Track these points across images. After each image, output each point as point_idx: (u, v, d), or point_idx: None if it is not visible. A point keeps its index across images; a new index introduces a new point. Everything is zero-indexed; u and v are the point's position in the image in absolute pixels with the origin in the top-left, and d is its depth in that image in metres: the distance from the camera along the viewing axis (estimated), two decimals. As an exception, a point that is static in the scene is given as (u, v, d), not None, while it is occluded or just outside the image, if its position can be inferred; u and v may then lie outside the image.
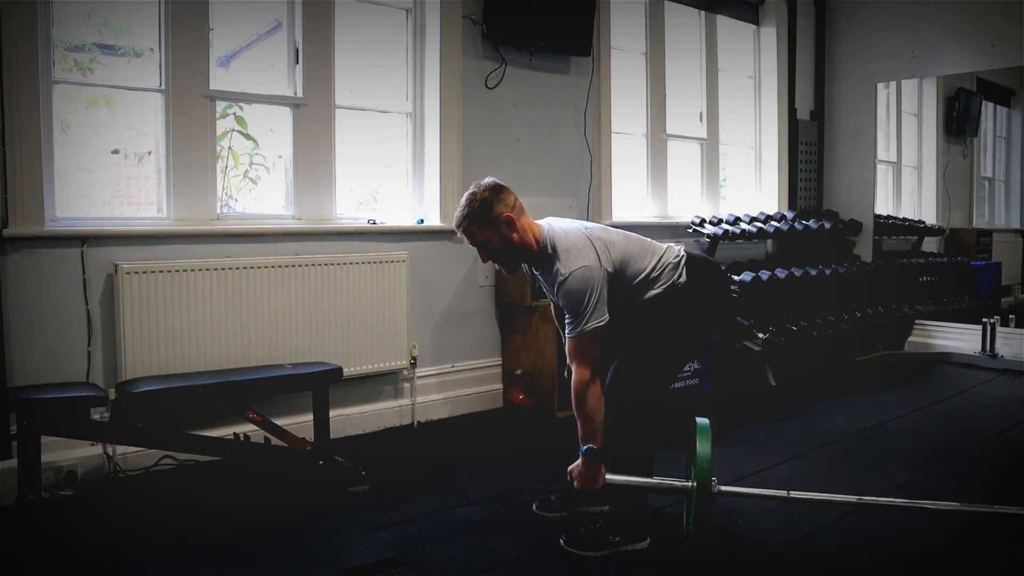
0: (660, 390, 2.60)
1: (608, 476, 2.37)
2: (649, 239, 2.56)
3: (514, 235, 2.39)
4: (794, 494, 2.47)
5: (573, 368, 2.37)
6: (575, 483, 2.41)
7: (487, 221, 2.38)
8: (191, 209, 3.34)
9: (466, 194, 2.42)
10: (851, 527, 2.68)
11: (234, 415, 3.03)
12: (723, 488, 2.35)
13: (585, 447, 2.35)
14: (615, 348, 2.49)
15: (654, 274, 2.45)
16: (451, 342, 4.09)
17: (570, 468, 2.43)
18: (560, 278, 2.35)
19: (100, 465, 3.03)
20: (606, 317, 2.35)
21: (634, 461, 2.47)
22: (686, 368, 4.25)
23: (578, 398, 2.34)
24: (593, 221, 3.84)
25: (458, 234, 2.46)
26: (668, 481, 2.42)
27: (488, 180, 2.44)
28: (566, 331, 2.38)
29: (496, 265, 2.57)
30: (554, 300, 2.55)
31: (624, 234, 2.53)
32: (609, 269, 2.38)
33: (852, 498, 2.57)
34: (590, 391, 2.33)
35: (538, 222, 2.50)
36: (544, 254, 2.42)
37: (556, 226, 2.48)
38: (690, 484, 2.33)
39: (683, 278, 2.46)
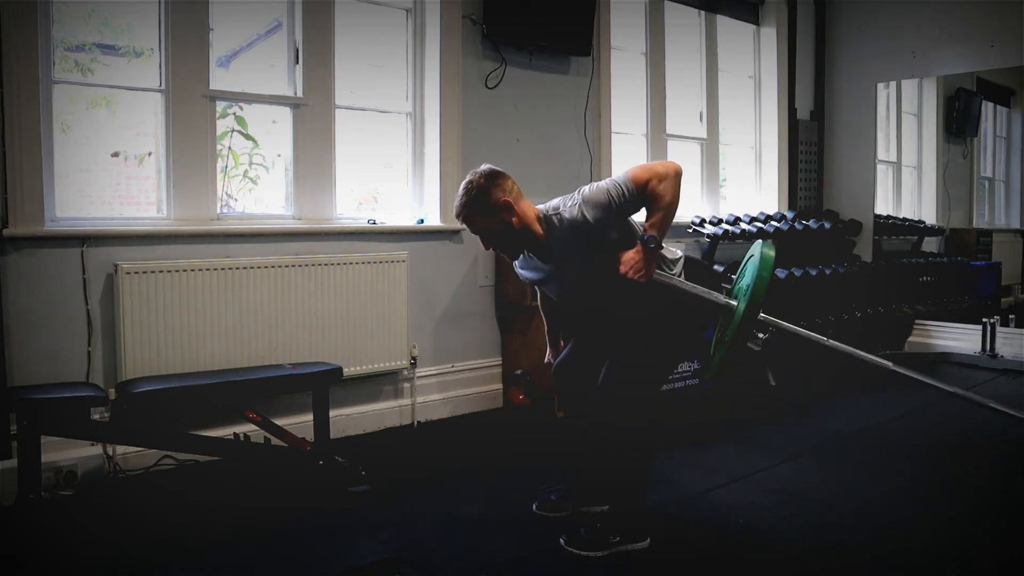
0: (654, 388, 2.60)
1: (656, 274, 2.32)
2: None
3: (514, 219, 2.38)
4: (831, 343, 2.48)
5: (661, 172, 2.28)
6: (621, 268, 2.31)
7: (486, 207, 2.37)
8: (191, 209, 3.34)
9: (463, 182, 2.41)
10: (851, 527, 2.68)
11: (234, 415, 3.03)
12: (763, 315, 2.30)
13: (648, 235, 2.29)
14: (610, 346, 2.49)
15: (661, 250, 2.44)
16: (451, 342, 4.09)
17: (623, 255, 2.32)
18: (576, 209, 2.31)
19: (100, 465, 3.03)
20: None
21: (631, 461, 2.47)
22: (685, 368, 4.25)
23: (678, 181, 2.29)
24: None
25: (459, 222, 2.46)
26: (714, 295, 2.38)
27: (484, 167, 2.43)
28: (629, 187, 2.28)
29: (497, 252, 2.55)
30: (565, 280, 2.49)
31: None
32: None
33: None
34: (678, 181, 2.29)
35: (538, 206, 2.49)
36: (549, 223, 2.38)
37: (552, 201, 2.48)
38: (736, 303, 2.30)
39: (681, 276, 2.46)
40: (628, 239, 2.36)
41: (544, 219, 2.40)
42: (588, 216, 2.30)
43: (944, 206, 6.24)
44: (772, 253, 2.31)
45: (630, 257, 2.31)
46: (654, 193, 2.28)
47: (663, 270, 2.41)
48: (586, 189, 2.36)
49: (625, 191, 2.29)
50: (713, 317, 2.49)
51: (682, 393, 4.25)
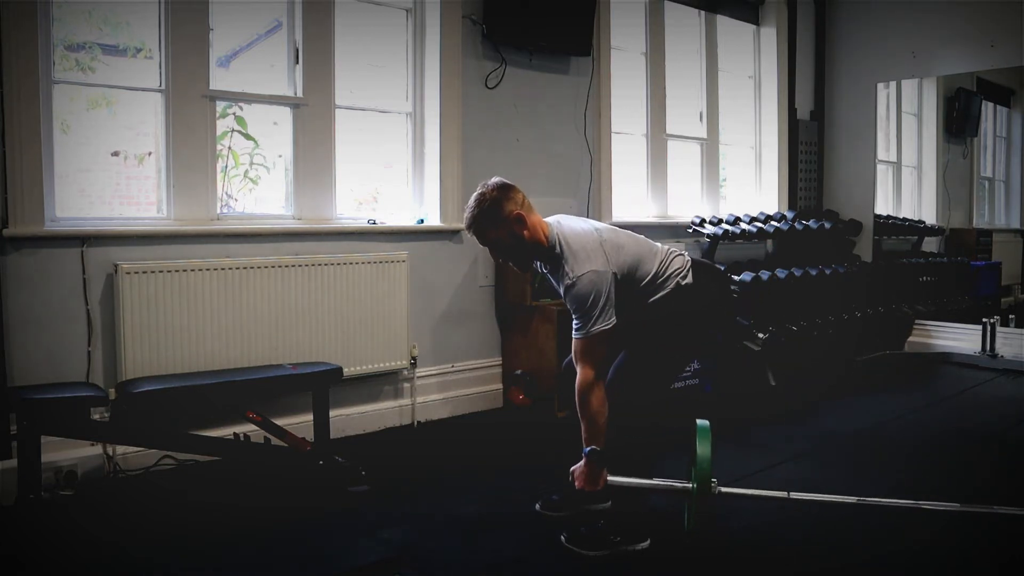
0: (661, 391, 2.60)
1: (609, 478, 2.36)
2: (655, 242, 2.57)
3: (524, 232, 2.39)
4: (794, 495, 2.47)
5: (578, 369, 2.36)
6: (576, 483, 2.40)
7: (497, 220, 2.38)
8: (191, 209, 3.34)
9: (474, 194, 2.42)
10: (851, 527, 2.68)
11: (234, 415, 3.03)
12: (723, 489, 2.35)
13: (588, 448, 2.34)
14: (618, 346, 2.49)
15: (660, 278, 2.45)
16: (451, 342, 4.09)
17: (572, 468, 2.42)
18: (568, 280, 2.35)
19: (100, 465, 3.03)
20: (614, 320, 2.34)
21: (633, 462, 2.47)
22: (688, 369, 4.25)
23: (582, 399, 2.34)
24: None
25: (469, 235, 2.47)
26: (668, 482, 2.42)
27: (495, 180, 2.44)
28: (573, 332, 2.38)
29: (510, 264, 2.56)
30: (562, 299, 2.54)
31: (633, 236, 2.53)
32: (618, 273, 2.37)
33: (852, 499, 2.56)
34: (594, 393, 2.33)
35: (547, 220, 2.49)
36: (553, 253, 2.41)
37: (566, 225, 2.47)
38: (690, 485, 2.33)
39: (688, 279, 2.47)
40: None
41: (551, 244, 2.42)
42: (567, 292, 2.36)
43: (944, 206, 6.24)
44: (708, 432, 2.33)
45: (580, 471, 2.39)
46: (578, 394, 2.36)
47: (659, 291, 2.44)
48: (588, 278, 2.32)
49: (583, 324, 2.33)
50: (720, 323, 2.51)
51: (682, 393, 4.25)
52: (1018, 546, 2.54)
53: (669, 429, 2.53)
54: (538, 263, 2.54)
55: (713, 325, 2.72)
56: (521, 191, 2.44)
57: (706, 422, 2.38)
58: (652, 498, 2.66)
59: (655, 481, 2.42)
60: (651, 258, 2.47)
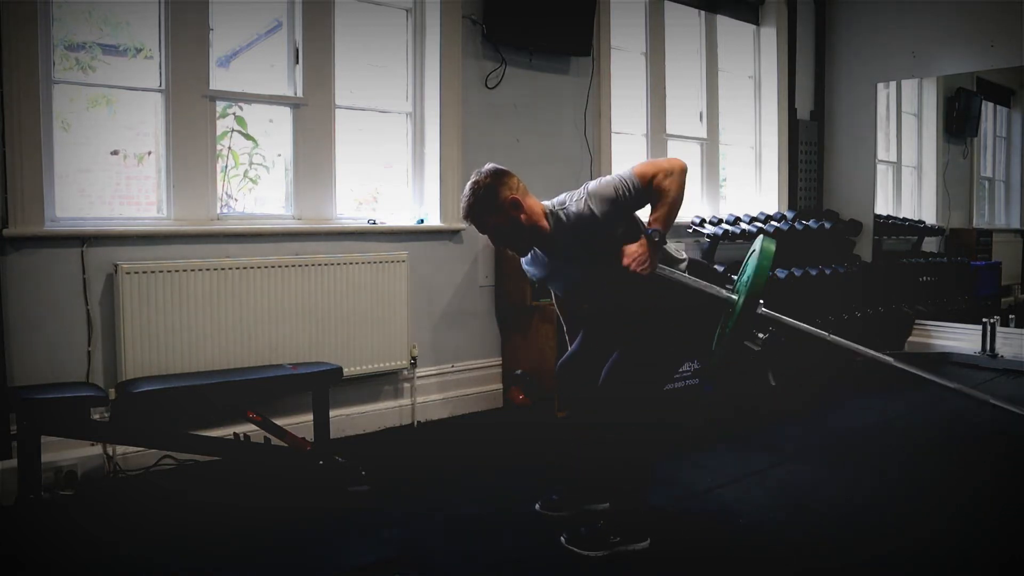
0: (658, 387, 2.60)
1: (659, 269, 2.32)
2: None
3: (522, 216, 2.38)
4: (832, 337, 2.49)
5: (667, 167, 2.32)
6: (626, 260, 2.31)
7: (494, 206, 2.37)
8: (191, 209, 3.34)
9: (469, 183, 2.41)
10: (852, 526, 2.68)
11: (234, 415, 3.03)
12: (765, 310, 2.32)
13: (652, 230, 2.30)
14: (615, 342, 2.49)
15: (667, 246, 2.45)
16: (451, 342, 4.09)
17: (626, 248, 2.33)
18: (582, 203, 2.32)
19: (100, 465, 3.03)
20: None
21: (631, 460, 2.47)
22: (685, 367, 4.25)
23: (680, 178, 2.32)
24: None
25: (467, 224, 2.46)
26: (715, 288, 2.39)
27: (489, 166, 2.42)
28: (635, 183, 2.30)
29: (509, 255, 2.55)
30: (574, 277, 2.50)
31: None
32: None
33: (888, 359, 2.51)
34: (683, 177, 2.33)
35: (544, 202, 2.49)
36: (556, 218, 2.39)
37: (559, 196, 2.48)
38: (737, 297, 2.31)
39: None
40: (633, 235, 2.36)
41: (551, 214, 2.41)
42: (595, 209, 2.31)
43: (944, 206, 6.24)
44: (772, 247, 2.32)
45: (634, 250, 2.31)
46: (659, 188, 2.30)
47: (669, 267, 2.42)
48: (592, 184, 2.37)
49: (631, 186, 2.30)
50: (718, 317, 2.49)
51: (682, 393, 4.25)
52: (1018, 546, 2.55)
53: (669, 429, 2.53)
54: (539, 255, 2.52)
55: (709, 324, 2.71)
56: (515, 175, 2.43)
57: (772, 237, 2.35)
58: (652, 497, 2.67)
59: (702, 282, 2.38)
60: None
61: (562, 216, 2.37)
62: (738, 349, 2.34)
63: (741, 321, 2.28)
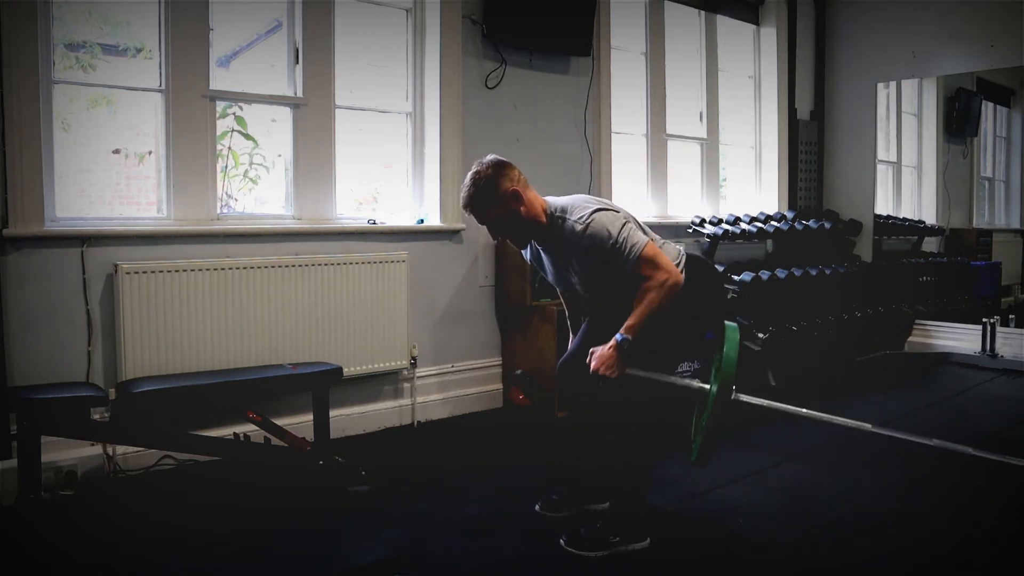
0: (655, 388, 2.60)
1: (630, 369, 2.32)
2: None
3: (521, 208, 2.38)
4: (812, 413, 2.44)
5: (657, 276, 2.28)
6: (593, 363, 2.33)
7: (494, 198, 2.37)
8: (191, 209, 3.34)
9: (470, 173, 2.41)
10: (852, 526, 2.68)
11: (234, 415, 3.03)
12: (742, 396, 2.31)
13: (622, 336, 2.29)
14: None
15: None
16: (451, 342, 4.09)
17: (593, 350, 2.35)
18: (579, 227, 2.32)
19: (100, 465, 3.03)
20: (651, 236, 2.35)
21: (631, 460, 2.47)
22: (685, 368, 4.25)
23: (660, 287, 2.27)
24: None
25: (467, 214, 2.45)
26: (687, 381, 2.39)
27: (490, 157, 2.42)
28: (628, 263, 2.30)
29: (509, 255, 2.56)
30: (569, 279, 2.50)
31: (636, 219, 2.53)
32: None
33: (867, 426, 2.49)
34: (671, 287, 2.29)
35: (545, 198, 2.49)
36: (553, 222, 2.40)
37: (562, 198, 2.48)
38: (709, 387, 2.31)
39: (683, 277, 2.46)
40: (611, 272, 2.36)
41: (550, 215, 2.41)
42: (584, 239, 2.33)
43: (944, 206, 6.24)
44: (736, 336, 2.32)
45: (601, 354, 2.33)
46: (646, 290, 2.29)
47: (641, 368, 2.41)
48: (600, 214, 2.34)
49: (629, 257, 2.30)
50: (714, 322, 2.50)
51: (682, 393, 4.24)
52: (1018, 546, 2.55)
53: (668, 429, 2.53)
54: (536, 252, 2.53)
55: (706, 324, 2.71)
56: (516, 167, 2.43)
57: (735, 325, 2.35)
58: (652, 497, 2.67)
59: (674, 378, 2.38)
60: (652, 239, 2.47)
61: (559, 222, 2.38)
62: (717, 434, 2.34)
63: (716, 411, 2.28)
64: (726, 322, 2.37)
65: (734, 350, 2.28)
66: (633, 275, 2.32)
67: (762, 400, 2.48)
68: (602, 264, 2.36)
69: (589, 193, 4.53)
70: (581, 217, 2.34)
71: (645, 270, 2.30)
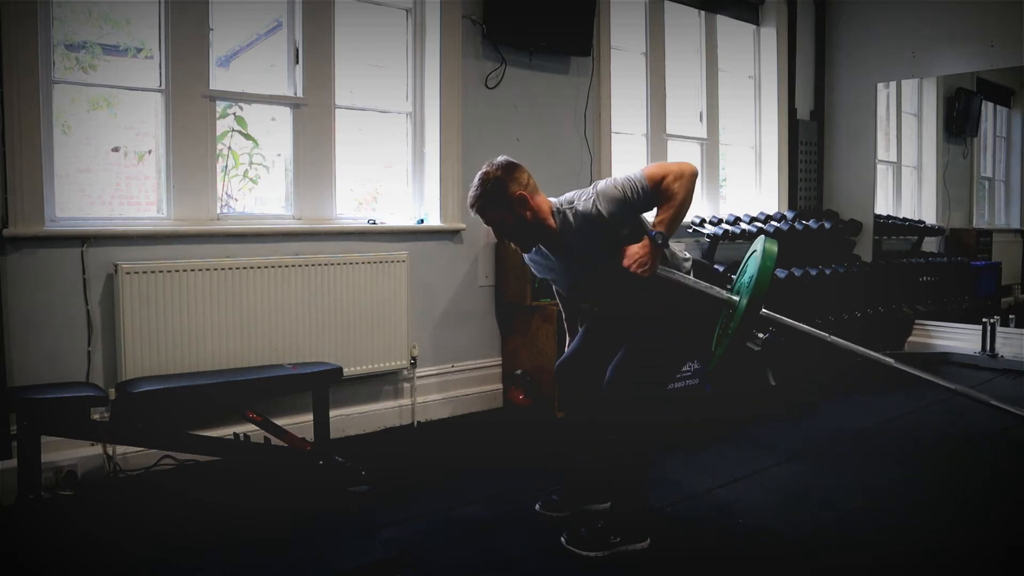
0: (661, 388, 2.60)
1: (660, 270, 2.31)
2: None
3: (528, 213, 2.37)
4: (832, 338, 2.46)
5: (671, 172, 2.27)
6: (627, 261, 2.30)
7: (501, 201, 2.36)
8: (191, 209, 3.34)
9: (479, 174, 2.40)
10: (852, 526, 2.68)
11: (234, 415, 3.03)
12: (765, 311, 2.30)
13: (655, 232, 2.28)
14: (616, 345, 2.49)
15: (671, 249, 2.45)
16: (451, 342, 4.08)
17: (627, 248, 2.32)
18: (590, 203, 2.31)
19: (100, 465, 3.03)
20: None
21: (631, 460, 2.47)
22: (686, 368, 4.25)
23: (690, 181, 2.27)
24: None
25: (473, 213, 2.45)
26: (717, 290, 2.38)
27: (500, 159, 2.41)
28: (643, 187, 2.28)
29: (510, 255, 2.56)
30: (582, 273, 2.49)
31: None
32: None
33: (889, 360, 2.51)
34: (691, 179, 2.28)
35: (551, 199, 2.49)
36: (562, 217, 2.38)
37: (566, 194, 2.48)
38: (739, 299, 2.31)
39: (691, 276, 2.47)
40: (637, 237, 2.35)
41: (557, 213, 2.40)
42: (602, 210, 2.30)
43: (944, 206, 6.23)
44: (775, 247, 2.31)
45: (635, 251, 2.30)
46: (667, 190, 2.28)
47: (673, 268, 2.41)
48: (601, 183, 2.36)
49: (639, 187, 2.29)
50: (719, 319, 2.49)
51: (682, 393, 4.25)
52: (1019, 545, 2.54)
53: (669, 429, 2.53)
54: (540, 254, 2.52)
55: (711, 325, 2.72)
56: (527, 171, 2.42)
57: (774, 239, 2.34)
58: (652, 497, 2.67)
59: (703, 284, 2.37)
60: None
61: (569, 215, 2.37)
62: (740, 344, 2.33)
63: (744, 322, 2.27)
64: (764, 236, 2.36)
65: (771, 260, 2.26)
66: (658, 193, 2.29)
67: (784, 318, 2.46)
68: (615, 240, 2.33)
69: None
70: (587, 195, 2.35)
71: (658, 178, 2.28)
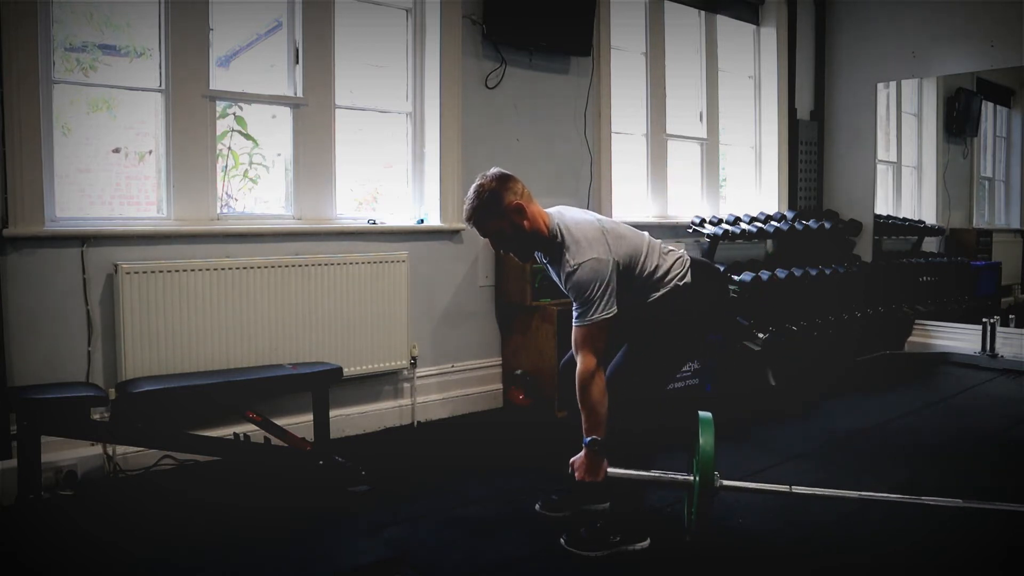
0: (658, 390, 2.60)
1: (610, 469, 2.35)
2: (655, 239, 2.57)
3: (524, 223, 2.39)
4: (796, 489, 2.47)
5: (579, 358, 2.34)
6: (576, 474, 2.38)
7: (497, 211, 2.38)
8: (191, 209, 3.34)
9: (473, 186, 2.42)
10: (852, 526, 2.68)
11: (234, 415, 3.03)
12: (725, 483, 2.34)
13: (588, 438, 2.33)
14: (616, 345, 2.49)
15: (660, 273, 2.45)
16: (451, 342, 4.08)
17: (572, 460, 2.40)
18: (569, 268, 2.34)
19: (100, 465, 3.03)
20: (615, 309, 2.33)
21: (631, 463, 2.47)
22: (686, 368, 4.25)
23: (582, 389, 2.32)
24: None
25: (469, 226, 2.46)
26: (670, 475, 2.41)
27: (494, 170, 2.43)
28: (574, 320, 2.36)
29: (511, 255, 2.56)
30: (562, 289, 2.54)
31: (635, 230, 2.53)
32: (620, 263, 2.37)
33: (854, 494, 2.56)
34: (595, 382, 2.31)
35: (548, 210, 2.50)
36: (554, 243, 2.41)
37: (568, 215, 2.48)
38: (692, 478, 2.33)
39: (688, 279, 2.47)
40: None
41: (552, 234, 2.42)
42: (569, 280, 2.35)
43: (944, 206, 6.24)
44: (712, 426, 2.33)
45: (579, 463, 2.36)
46: (578, 393, 2.35)
47: (658, 289, 2.45)
48: (590, 264, 2.33)
49: (581, 308, 2.33)
50: (719, 323, 2.51)
51: (682, 393, 4.25)
52: (1019, 545, 2.54)
53: (668, 429, 2.53)
54: (538, 254, 2.54)
55: (712, 326, 2.72)
56: (520, 181, 2.44)
57: (708, 414, 2.37)
58: (652, 497, 2.67)
59: (655, 473, 2.41)
60: (652, 252, 2.47)
61: (559, 246, 2.39)
62: (708, 519, 2.35)
63: (702, 505, 2.29)
64: (699, 412, 2.38)
65: (710, 442, 2.29)
66: (640, 287, 2.36)
67: (748, 483, 2.52)
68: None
69: (589, 194, 4.54)
70: (576, 258, 2.34)
71: (577, 342, 2.35)
